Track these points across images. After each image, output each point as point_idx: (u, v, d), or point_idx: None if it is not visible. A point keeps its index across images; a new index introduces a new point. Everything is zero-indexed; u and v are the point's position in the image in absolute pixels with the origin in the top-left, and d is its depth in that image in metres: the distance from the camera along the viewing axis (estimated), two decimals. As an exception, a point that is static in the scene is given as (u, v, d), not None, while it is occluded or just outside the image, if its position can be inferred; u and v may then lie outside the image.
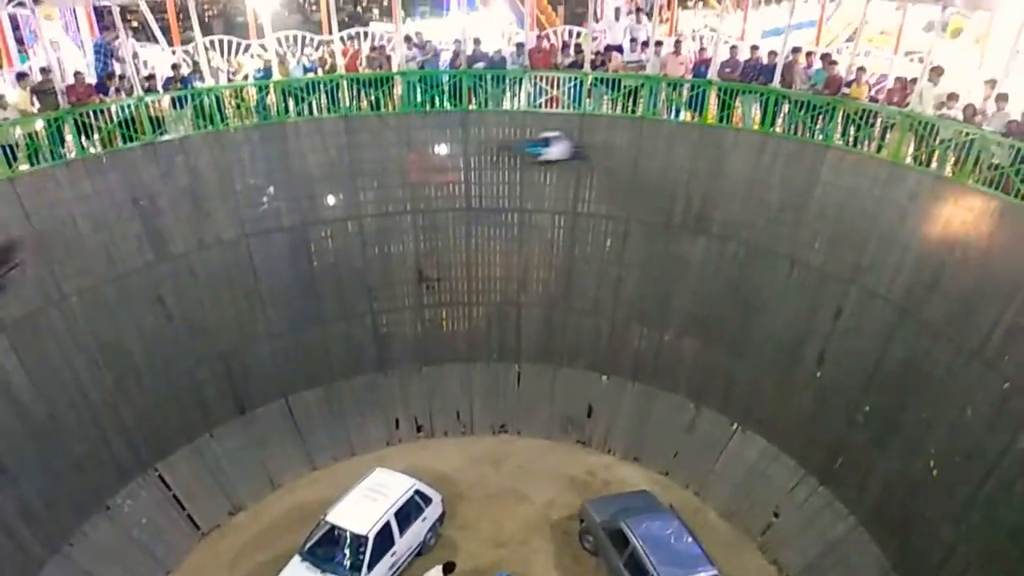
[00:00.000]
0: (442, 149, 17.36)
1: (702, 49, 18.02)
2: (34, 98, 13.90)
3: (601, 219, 17.14)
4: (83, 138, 13.92)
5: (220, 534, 14.97)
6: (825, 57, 15.46)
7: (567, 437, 17.66)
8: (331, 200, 16.92)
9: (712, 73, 15.91)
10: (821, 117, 14.71)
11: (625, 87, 16.55)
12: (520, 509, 15.49)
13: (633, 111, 16.56)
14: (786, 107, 15.11)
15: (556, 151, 16.28)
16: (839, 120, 14.38)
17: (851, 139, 14.30)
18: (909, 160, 13.46)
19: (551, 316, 18.04)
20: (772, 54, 15.48)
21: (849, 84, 14.70)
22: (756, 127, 15.57)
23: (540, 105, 17.08)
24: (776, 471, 15.05)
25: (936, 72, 13.59)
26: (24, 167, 13.00)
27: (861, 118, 14.06)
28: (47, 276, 13.00)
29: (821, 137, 14.68)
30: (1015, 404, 10.91)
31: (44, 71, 14.19)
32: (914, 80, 14.07)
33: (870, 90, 15.20)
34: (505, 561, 13.85)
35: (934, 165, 13.12)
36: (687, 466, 16.41)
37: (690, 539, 13.13)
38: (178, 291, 15.08)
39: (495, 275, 18.10)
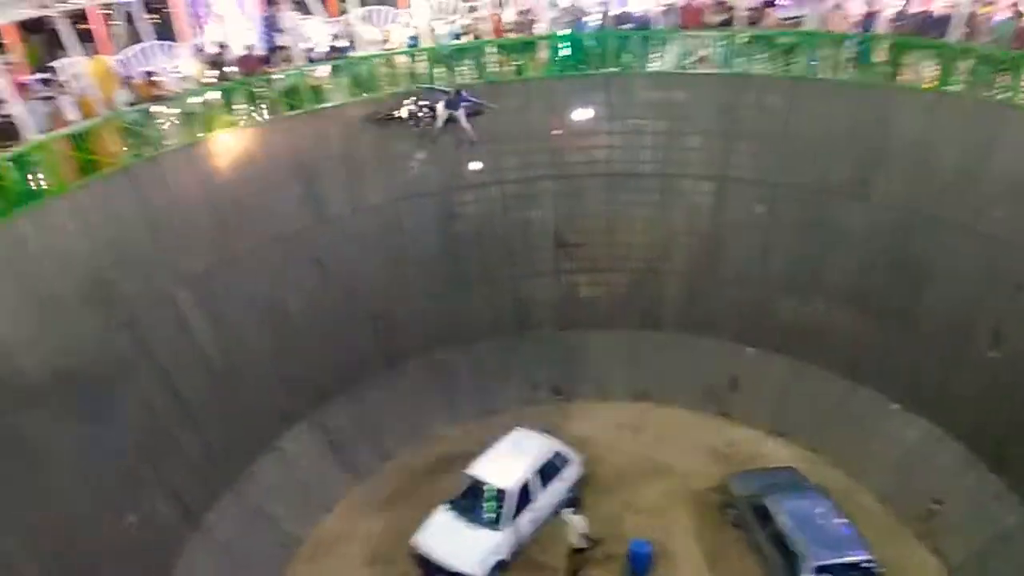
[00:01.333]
0: (585, 113, 17.20)
1: (869, 2, 16.69)
2: (209, 69, 14.99)
3: (750, 184, 16.44)
4: (252, 107, 14.91)
5: (372, 479, 15.90)
6: (1014, 6, 13.93)
7: (709, 408, 17.27)
8: (475, 165, 17.24)
9: (880, 27, 14.74)
10: (1005, 73, 13.30)
11: (780, 44, 15.66)
12: (659, 478, 15.39)
13: (788, 70, 15.66)
14: (964, 62, 13.77)
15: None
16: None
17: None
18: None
19: (695, 284, 17.61)
20: (950, 4, 14.13)
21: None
22: (928, 85, 14.32)
23: (687, 66, 16.50)
24: (940, 455, 14.05)
25: None
26: (201, 134, 14.11)
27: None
28: (220, 235, 14.12)
29: (1004, 96, 13.28)
30: None
31: (219, 45, 15.30)
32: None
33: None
34: (643, 528, 13.83)
35: None
36: (839, 445, 15.60)
37: (840, 520, 12.58)
38: (334, 252, 15.97)
39: (637, 241, 17.84)
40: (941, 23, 14.17)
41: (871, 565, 11.85)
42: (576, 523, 12.64)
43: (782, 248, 16.43)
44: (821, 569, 11.70)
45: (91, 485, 10.95)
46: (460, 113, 15.81)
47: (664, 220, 17.50)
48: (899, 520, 14.08)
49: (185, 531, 12.66)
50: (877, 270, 15.11)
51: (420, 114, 15.94)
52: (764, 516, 12.96)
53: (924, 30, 14.42)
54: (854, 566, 11.85)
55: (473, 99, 15.96)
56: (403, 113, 15.93)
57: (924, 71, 14.40)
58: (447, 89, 15.90)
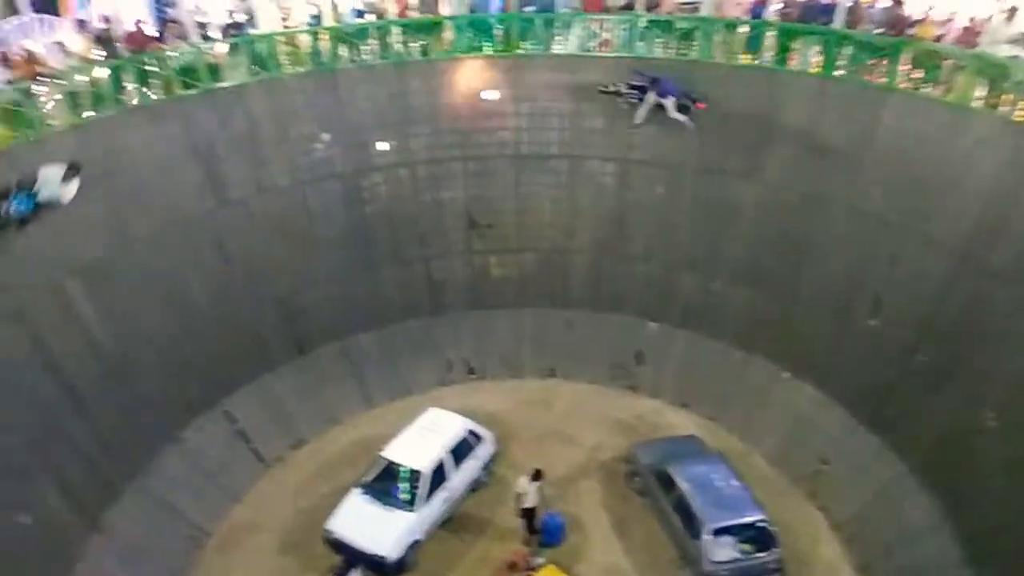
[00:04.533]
0: (492, 94, 17.29)
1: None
2: (95, 46, 14.19)
3: (652, 166, 16.97)
4: (143, 86, 14.24)
5: (283, 466, 15.71)
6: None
7: (616, 382, 17.86)
8: (383, 147, 17.08)
9: (770, 13, 15.43)
10: (884, 59, 14.21)
11: (678, 29, 16.17)
12: (569, 451, 15.85)
13: (686, 54, 16.20)
14: (848, 49, 14.62)
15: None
16: (903, 62, 13.87)
17: (915, 82, 13.82)
18: (978, 104, 12.98)
19: (600, 263, 18.09)
20: (835, -8, 14.93)
21: (914, 24, 14.15)
22: (815, 70, 15.13)
23: (591, 49, 16.81)
24: (826, 419, 15.04)
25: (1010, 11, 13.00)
26: (88, 114, 13.39)
27: (927, 60, 13.55)
28: (115, 221, 13.51)
29: (884, 80, 14.20)
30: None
31: (105, 19, 14.50)
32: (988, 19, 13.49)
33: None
34: (554, 500, 14.24)
35: (1004, 109, 12.64)
36: (736, 412, 16.51)
37: (737, 483, 13.34)
38: (237, 236, 15.53)
39: (545, 221, 18.17)
40: (829, 10, 14.94)
41: (765, 524, 12.64)
42: (531, 488, 13.07)
43: (682, 227, 17.08)
44: (719, 531, 12.42)
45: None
46: (669, 102, 15.39)
47: (571, 200, 17.86)
48: (790, 481, 15.05)
49: (84, 530, 12.18)
50: (769, 246, 15.94)
51: (627, 92, 15.88)
52: (667, 483, 13.58)
53: (812, 17, 15.17)
54: (750, 526, 12.62)
55: (686, 94, 15.42)
56: (621, 88, 15.86)
57: (811, 57, 15.21)
58: (657, 76, 15.51)
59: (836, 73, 14.70)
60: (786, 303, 15.86)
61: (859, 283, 14.58)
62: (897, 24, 14.21)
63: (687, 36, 16.10)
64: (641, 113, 15.90)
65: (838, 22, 14.80)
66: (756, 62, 15.54)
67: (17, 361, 11.61)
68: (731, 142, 15.92)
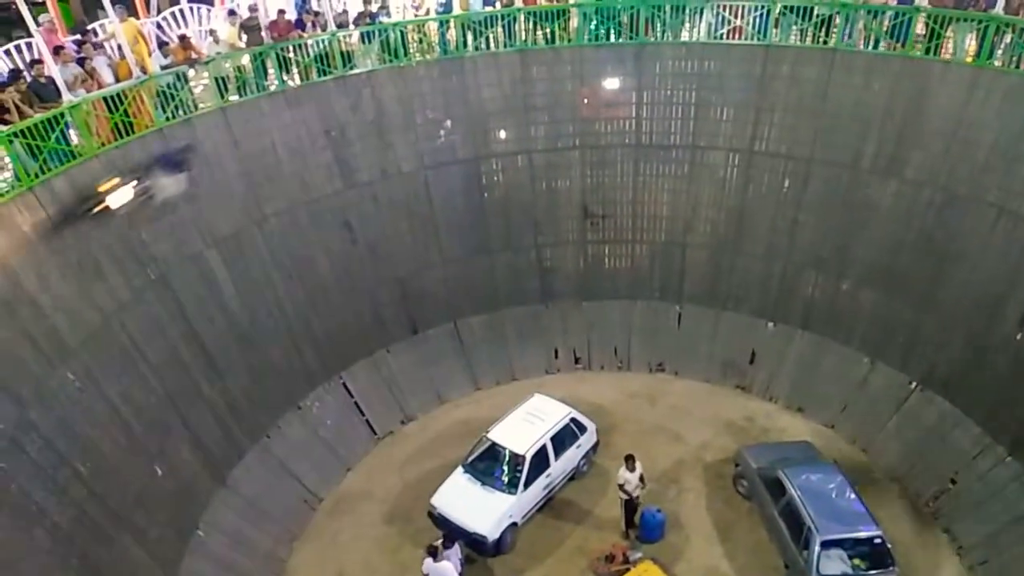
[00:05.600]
0: (615, 83, 17.09)
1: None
2: (242, 34, 15.15)
3: (780, 159, 16.25)
4: (283, 72, 15.09)
5: (393, 440, 16.36)
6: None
7: (726, 381, 17.36)
8: (504, 134, 17.31)
9: (921, -2, 14.35)
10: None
11: (817, 15, 15.33)
12: (673, 447, 15.58)
13: (825, 42, 15.34)
14: (1008, 37, 13.37)
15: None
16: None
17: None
18: None
19: (718, 258, 17.56)
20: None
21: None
22: (969, 60, 13.95)
23: (722, 36, 16.24)
24: (957, 436, 13.96)
25: None
26: (233, 97, 14.35)
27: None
28: (251, 197, 14.46)
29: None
30: None
31: (251, 8, 15.44)
32: None
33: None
34: (656, 496, 14.06)
35: None
36: (856, 422, 15.62)
37: (853, 495, 12.62)
38: (362, 217, 16.26)
39: (662, 214, 17.82)
40: (986, -5, 13.73)
41: (882, 541, 11.91)
42: (631, 476, 13.09)
43: (810, 224, 16.27)
44: (830, 543, 11.80)
45: (123, 434, 11.46)
46: None
47: (690, 192, 17.41)
48: (912, 498, 14.10)
49: (212, 483, 13.21)
50: (906, 248, 14.93)
51: None
52: (776, 489, 13.06)
53: (970, 2, 13.96)
54: (864, 541, 11.93)
55: None
56: None
57: (968, 45, 14.02)
58: None
59: (994, 63, 13.48)
60: (921, 309, 14.81)
61: (1006, 293, 13.36)
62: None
63: (826, 23, 15.24)
64: None
65: (999, 7, 13.52)
66: (901, 51, 14.47)
67: (161, 324, 12.67)
68: (867, 135, 14.97)
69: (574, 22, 16.92)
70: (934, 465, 14.10)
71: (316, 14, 15.77)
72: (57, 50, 12.03)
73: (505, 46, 16.72)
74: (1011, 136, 13.15)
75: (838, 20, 15.09)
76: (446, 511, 13.47)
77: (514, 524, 13.44)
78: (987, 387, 13.69)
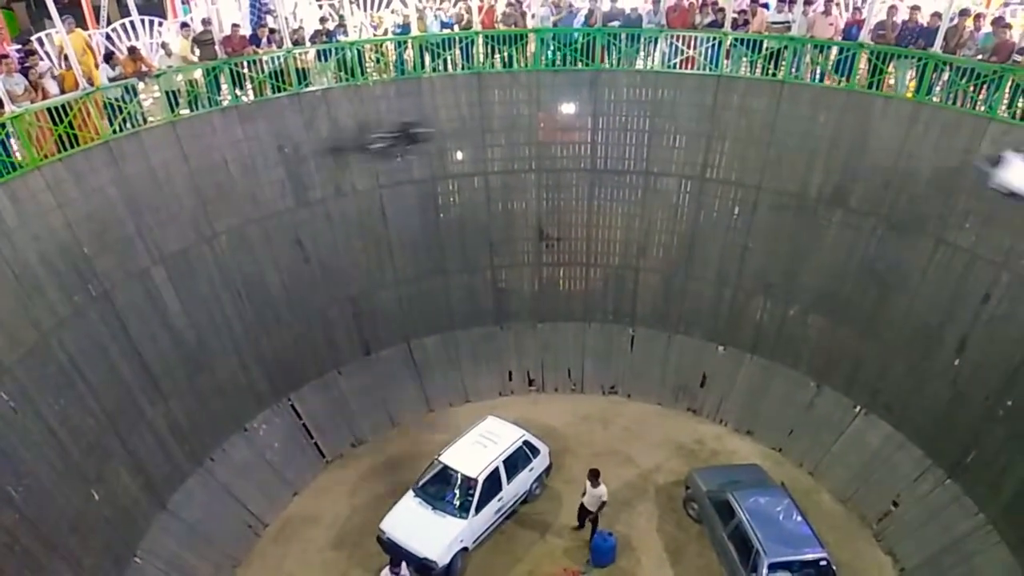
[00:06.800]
0: (571, 108, 17.30)
1: (856, 9, 16.87)
2: (194, 48, 14.91)
3: (731, 186, 16.60)
4: (236, 87, 14.88)
5: (342, 463, 16.04)
6: (997, 21, 14.11)
7: (678, 404, 17.54)
8: (460, 155, 17.32)
9: (864, 35, 14.90)
10: (985, 87, 13.51)
11: (767, 49, 15.80)
12: (625, 470, 15.61)
13: (774, 74, 15.81)
14: (946, 74, 13.98)
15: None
16: (1006, 90, 13.15)
17: (1018, 111, 13.06)
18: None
19: (670, 282, 17.79)
20: (935, 16, 14.27)
21: (1022, 51, 13.39)
22: (909, 95, 14.52)
23: (675, 66, 16.61)
24: (900, 459, 14.33)
25: None
26: (184, 112, 14.07)
27: (1033, 88, 12.79)
28: (200, 213, 14.14)
29: (984, 108, 13.49)
30: None
31: (204, 22, 15.22)
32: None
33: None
34: (607, 519, 14.02)
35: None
36: (803, 444, 15.92)
37: (800, 518, 12.81)
38: (315, 235, 16.04)
39: (615, 238, 18.02)
40: (928, 34, 14.30)
41: (827, 563, 12.08)
42: (598, 492, 13.10)
43: (759, 251, 16.63)
44: (777, 566, 11.93)
45: (59, 457, 10.98)
46: None
47: (644, 217, 17.66)
48: (856, 520, 14.38)
49: (151, 508, 12.74)
50: (850, 277, 15.33)
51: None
52: (725, 512, 13.18)
53: (910, 41, 14.55)
54: (810, 563, 12.08)
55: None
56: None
57: (908, 81, 14.60)
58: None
59: (932, 99, 14.06)
60: (865, 335, 15.23)
61: (945, 320, 13.84)
62: (1002, 50, 13.46)
63: (775, 56, 15.72)
64: None
65: (937, 46, 14.14)
66: (846, 85, 15.01)
67: (103, 343, 12.23)
68: (814, 165, 15.43)
69: (531, 47, 17.13)
70: (877, 488, 14.44)
71: (272, 30, 15.63)
72: (0, 59, 11.64)
73: (463, 68, 16.81)
74: (948, 170, 13.66)
75: (786, 54, 15.58)
76: (395, 536, 13.22)
77: (465, 549, 13.27)
78: (927, 411, 14.12)
